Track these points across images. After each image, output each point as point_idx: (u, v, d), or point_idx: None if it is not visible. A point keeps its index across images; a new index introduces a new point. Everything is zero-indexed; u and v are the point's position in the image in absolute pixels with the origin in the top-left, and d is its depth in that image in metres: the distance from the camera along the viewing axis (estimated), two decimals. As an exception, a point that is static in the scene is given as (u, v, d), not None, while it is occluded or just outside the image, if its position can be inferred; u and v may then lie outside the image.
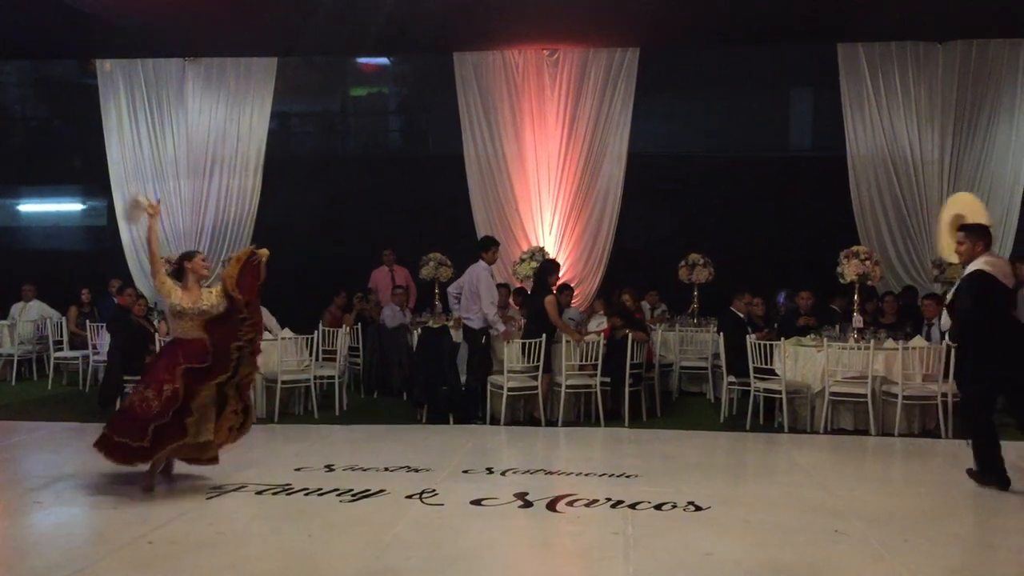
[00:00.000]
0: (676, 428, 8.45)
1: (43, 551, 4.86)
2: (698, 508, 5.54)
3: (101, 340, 10.24)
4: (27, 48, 13.06)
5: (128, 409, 5.79)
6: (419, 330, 9.02)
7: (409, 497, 5.77)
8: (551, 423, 8.49)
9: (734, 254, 11.71)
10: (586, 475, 6.43)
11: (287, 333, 9.11)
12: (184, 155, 12.74)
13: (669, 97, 14.07)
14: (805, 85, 14.40)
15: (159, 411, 5.64)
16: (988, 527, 5.37)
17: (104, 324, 10.27)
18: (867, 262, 8.60)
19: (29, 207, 15.72)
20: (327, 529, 5.13)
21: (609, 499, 5.71)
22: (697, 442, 7.85)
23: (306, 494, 5.85)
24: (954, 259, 6.66)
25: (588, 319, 10.21)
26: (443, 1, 10.15)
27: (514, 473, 6.46)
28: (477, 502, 5.66)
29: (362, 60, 15.07)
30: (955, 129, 11.66)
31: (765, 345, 8.37)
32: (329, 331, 9.72)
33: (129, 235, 12.75)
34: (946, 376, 7.85)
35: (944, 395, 7.87)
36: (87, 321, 10.91)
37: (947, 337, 6.22)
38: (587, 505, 5.61)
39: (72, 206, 15.57)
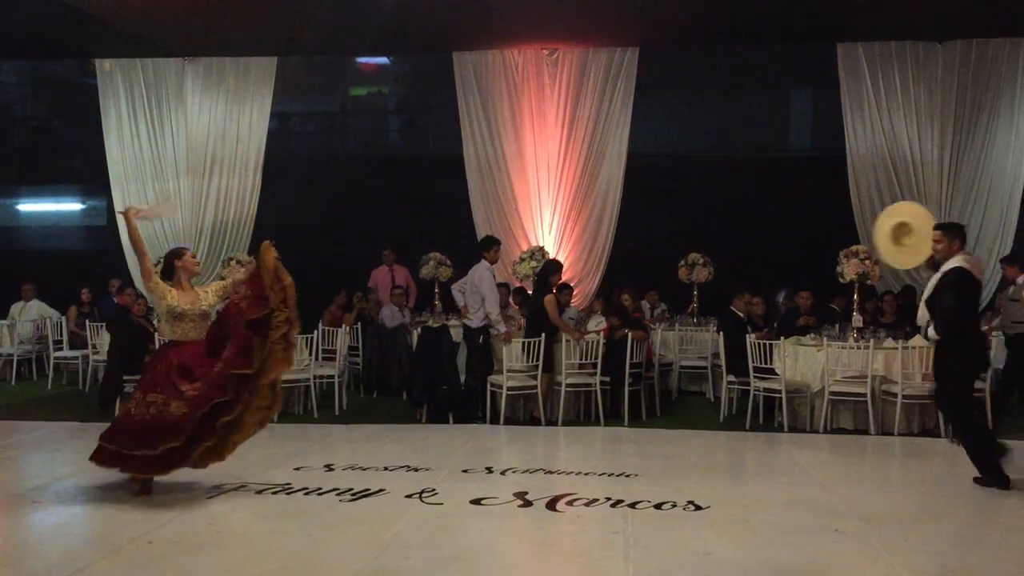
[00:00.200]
0: (676, 427, 8.44)
1: (43, 551, 4.85)
2: (698, 507, 5.54)
3: (101, 340, 10.24)
4: (27, 48, 13.07)
5: (134, 420, 5.53)
6: (419, 330, 9.03)
7: (409, 497, 5.76)
8: (551, 422, 8.49)
9: (734, 254, 11.70)
10: (586, 474, 6.43)
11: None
12: (184, 155, 12.74)
13: (669, 97, 14.08)
14: (805, 85, 14.40)
15: (186, 412, 5.46)
16: (988, 526, 5.36)
17: (104, 324, 10.27)
18: (867, 262, 8.60)
19: (29, 207, 15.73)
20: (327, 529, 5.13)
21: (609, 498, 5.71)
22: (697, 441, 7.85)
23: (306, 493, 5.85)
24: (897, 265, 6.82)
25: (587, 319, 10.21)
26: (443, 1, 10.15)
27: (514, 472, 6.46)
28: (477, 501, 5.66)
29: (362, 60, 15.06)
30: (955, 129, 11.66)
31: (765, 344, 8.37)
32: (329, 330, 9.72)
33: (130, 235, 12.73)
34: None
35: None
36: (87, 321, 10.90)
37: (925, 334, 6.28)
38: (587, 504, 5.61)
39: (72, 206, 15.58)
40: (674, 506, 5.56)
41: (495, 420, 8.46)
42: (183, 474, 6.11)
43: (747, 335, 8.56)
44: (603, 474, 6.42)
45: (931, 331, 6.17)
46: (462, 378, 8.78)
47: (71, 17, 10.61)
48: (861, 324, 8.58)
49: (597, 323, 9.53)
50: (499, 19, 11.04)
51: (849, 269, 8.68)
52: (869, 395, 7.99)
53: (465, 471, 6.52)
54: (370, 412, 9.25)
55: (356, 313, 11.19)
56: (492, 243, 9.04)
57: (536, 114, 12.27)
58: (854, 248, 8.81)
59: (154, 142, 12.82)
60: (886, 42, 11.71)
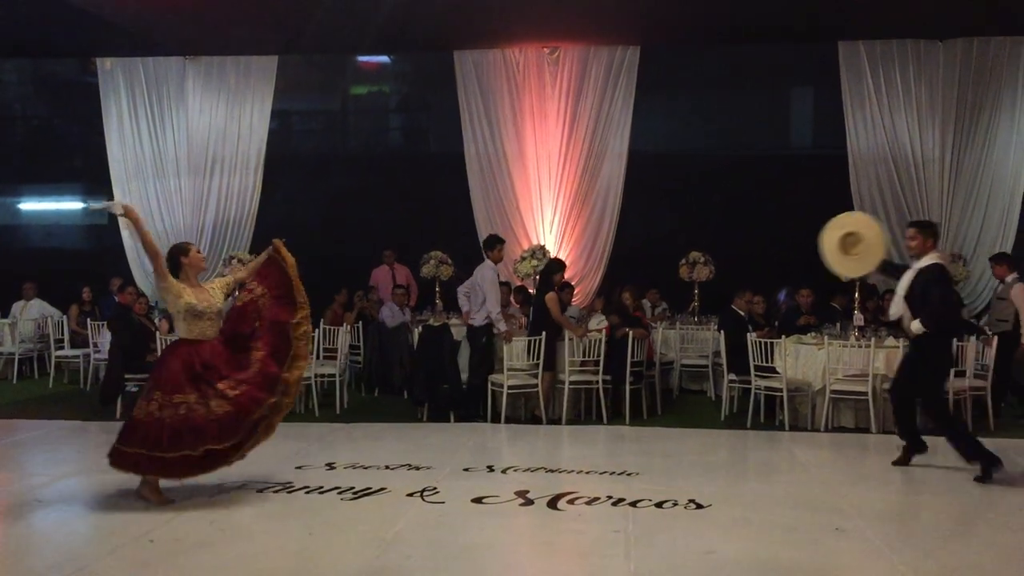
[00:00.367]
0: (677, 426, 8.44)
1: (44, 550, 4.86)
2: (699, 506, 5.54)
3: (102, 339, 10.25)
4: (28, 47, 13.06)
5: (161, 421, 5.38)
6: (420, 328, 9.03)
7: (410, 495, 5.77)
8: (555, 421, 8.50)
9: (735, 252, 11.70)
10: (587, 473, 6.43)
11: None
12: (185, 154, 12.73)
13: (670, 95, 14.07)
14: (806, 83, 14.39)
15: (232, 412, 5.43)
16: (989, 524, 5.36)
17: (105, 322, 10.27)
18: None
19: (30, 206, 15.73)
20: (328, 527, 5.13)
21: (610, 497, 5.71)
22: (698, 440, 7.85)
23: (307, 492, 5.85)
24: (851, 274, 7.24)
25: (588, 317, 10.21)
26: (443, -1, 10.16)
27: (515, 471, 6.46)
28: (478, 500, 5.66)
29: (362, 58, 15.06)
30: (956, 127, 11.64)
31: (766, 343, 8.37)
32: (330, 329, 9.72)
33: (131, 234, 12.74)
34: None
35: (945, 392, 7.86)
36: (88, 320, 10.92)
37: (908, 328, 6.39)
38: (588, 503, 5.61)
39: (73, 205, 15.58)
40: (675, 505, 5.56)
41: (496, 419, 8.46)
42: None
43: (748, 334, 8.57)
44: (604, 473, 6.42)
45: (916, 325, 6.29)
46: (463, 377, 8.78)
47: (72, 16, 10.61)
48: (862, 322, 8.57)
49: (598, 322, 9.53)
50: (500, 18, 11.03)
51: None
52: (870, 393, 7.98)
53: (466, 470, 6.52)
54: (371, 411, 9.26)
55: (357, 312, 11.20)
56: (496, 242, 9.06)
57: (537, 113, 12.25)
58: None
59: (155, 141, 12.81)
60: (887, 40, 11.69)
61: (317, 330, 9.46)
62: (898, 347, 7.99)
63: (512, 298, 10.52)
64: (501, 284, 9.31)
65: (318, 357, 9.38)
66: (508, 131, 12.29)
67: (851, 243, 6.81)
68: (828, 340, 8.29)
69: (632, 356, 8.58)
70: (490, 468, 6.56)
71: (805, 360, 8.42)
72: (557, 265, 9.10)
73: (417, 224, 12.91)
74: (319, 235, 13.17)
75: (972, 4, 10.42)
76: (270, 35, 11.83)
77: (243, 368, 5.59)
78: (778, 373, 8.32)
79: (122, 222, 6.78)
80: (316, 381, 9.07)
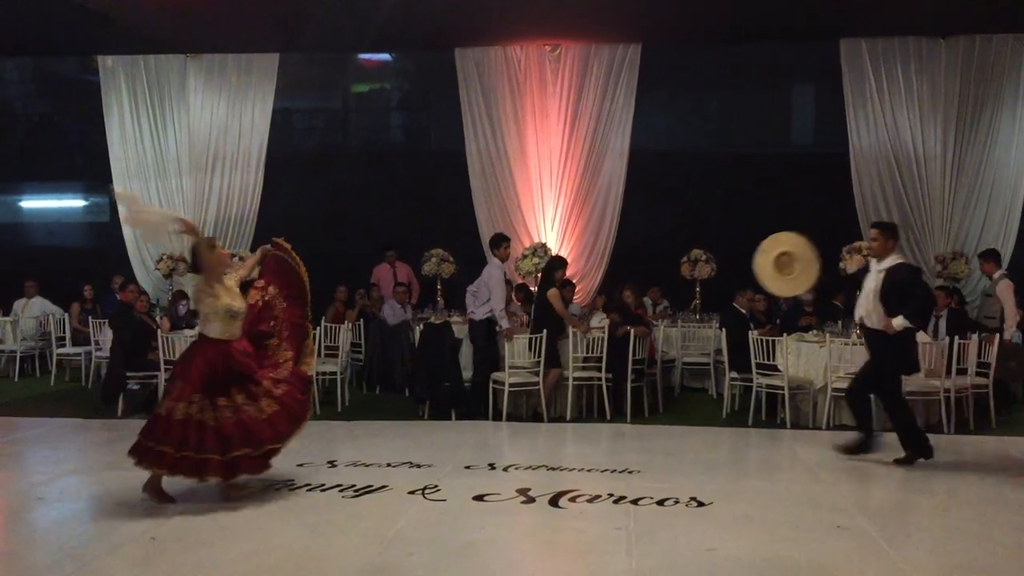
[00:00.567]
0: (678, 424, 8.44)
1: (45, 547, 4.87)
2: (700, 504, 5.55)
3: (103, 336, 10.25)
4: (29, 45, 13.06)
5: (203, 424, 5.32)
6: (421, 326, 9.04)
7: (412, 493, 5.77)
8: (559, 418, 8.49)
9: (736, 250, 11.60)
10: (588, 471, 6.44)
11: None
12: (186, 151, 12.73)
13: (671, 93, 14.06)
14: (807, 81, 14.36)
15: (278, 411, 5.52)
16: (990, 522, 5.36)
17: (106, 320, 10.27)
18: (869, 257, 8.59)
19: (31, 203, 15.75)
20: (330, 525, 5.14)
21: (611, 495, 5.71)
22: (699, 438, 7.85)
23: (308, 490, 5.86)
24: (786, 293, 7.76)
25: (589, 315, 10.20)
26: (444, -3, 10.15)
27: (516, 469, 6.46)
28: (480, 498, 5.66)
29: (364, 56, 15.05)
30: (958, 124, 11.61)
31: (767, 341, 8.37)
32: (331, 327, 9.72)
33: (132, 231, 12.73)
34: (948, 372, 7.87)
35: (947, 390, 7.87)
36: (89, 317, 10.92)
37: (888, 325, 6.48)
38: (589, 501, 5.61)
39: (74, 202, 15.60)
40: (677, 502, 5.57)
41: (497, 417, 8.47)
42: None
43: (749, 331, 8.57)
44: (606, 470, 6.43)
45: (899, 321, 6.45)
46: (464, 374, 8.78)
47: (73, 14, 10.61)
48: (863, 321, 8.56)
49: (599, 320, 9.53)
50: (501, 15, 11.03)
51: (851, 264, 8.67)
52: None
53: (468, 467, 6.53)
54: (372, 409, 9.26)
55: (358, 310, 11.20)
56: (502, 240, 9.07)
57: (538, 110, 12.24)
58: (857, 244, 8.81)
59: (156, 139, 12.81)
60: (889, 38, 11.66)
61: (318, 328, 9.47)
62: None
63: (513, 296, 10.52)
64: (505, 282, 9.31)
65: (319, 355, 9.38)
66: (509, 129, 12.27)
67: (785, 263, 7.10)
68: (829, 338, 8.29)
69: (634, 354, 8.59)
70: (491, 466, 6.57)
71: (807, 358, 8.42)
72: (558, 262, 9.10)
73: (418, 222, 12.90)
74: (320, 233, 13.12)
75: (974, 1, 10.40)
76: (271, 33, 11.82)
77: (275, 366, 5.69)
78: (779, 371, 8.33)
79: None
80: (317, 379, 9.07)
